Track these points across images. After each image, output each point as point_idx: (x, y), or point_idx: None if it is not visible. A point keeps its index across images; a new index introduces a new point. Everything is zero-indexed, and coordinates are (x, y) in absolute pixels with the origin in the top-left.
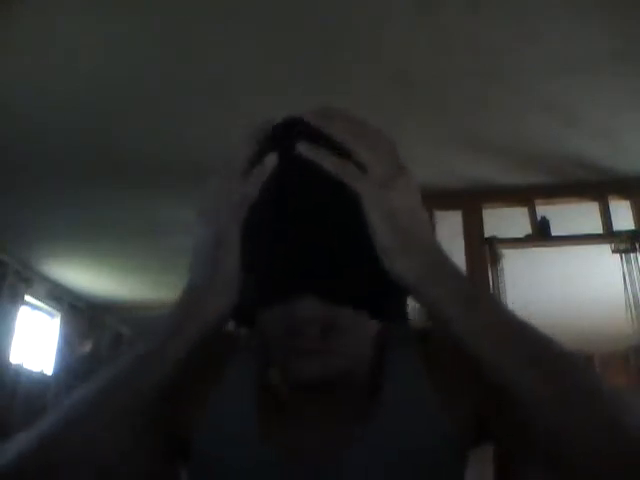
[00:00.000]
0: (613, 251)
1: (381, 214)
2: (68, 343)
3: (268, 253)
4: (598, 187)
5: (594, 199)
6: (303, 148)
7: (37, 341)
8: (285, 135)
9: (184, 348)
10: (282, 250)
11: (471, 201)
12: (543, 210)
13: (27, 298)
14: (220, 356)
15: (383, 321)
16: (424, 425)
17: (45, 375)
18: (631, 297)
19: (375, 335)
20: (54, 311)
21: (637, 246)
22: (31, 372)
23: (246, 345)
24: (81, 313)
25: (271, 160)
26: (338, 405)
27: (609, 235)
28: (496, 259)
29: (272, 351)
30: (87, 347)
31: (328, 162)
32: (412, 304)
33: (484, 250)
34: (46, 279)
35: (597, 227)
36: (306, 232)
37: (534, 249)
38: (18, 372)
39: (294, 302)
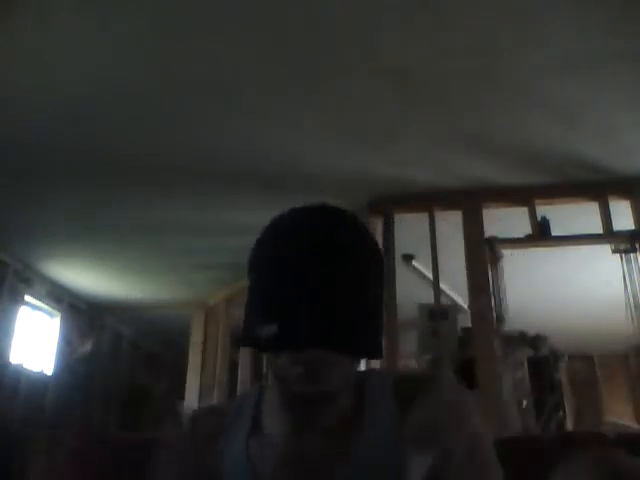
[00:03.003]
0: (613, 251)
1: None
2: (68, 343)
3: (293, 311)
4: (598, 187)
5: (594, 199)
6: None
7: (37, 341)
8: None
9: None
10: (305, 311)
11: (471, 201)
12: (543, 210)
13: (27, 298)
14: (213, 431)
15: (370, 359)
16: (391, 464)
17: (45, 375)
18: (631, 297)
19: (357, 374)
20: (54, 311)
21: (637, 246)
22: (31, 372)
23: (236, 414)
24: (81, 313)
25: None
26: (325, 443)
27: (609, 235)
28: (496, 259)
29: (277, 371)
30: (87, 347)
31: None
32: None
33: (484, 250)
34: (46, 279)
35: (597, 227)
36: (324, 302)
37: (534, 249)
38: (18, 372)
39: (307, 351)
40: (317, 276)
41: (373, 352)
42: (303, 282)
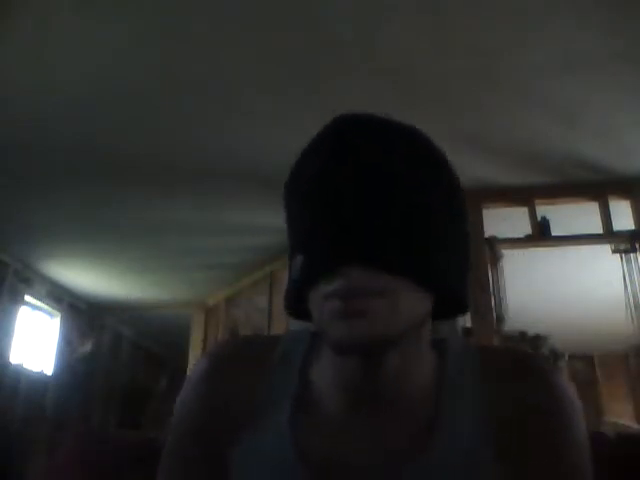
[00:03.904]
0: (613, 251)
1: None
2: (68, 343)
3: (319, 229)
4: (598, 187)
5: (594, 199)
6: None
7: (37, 341)
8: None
9: None
10: (331, 226)
11: (471, 201)
12: (543, 210)
13: (27, 298)
14: (259, 364)
15: (429, 290)
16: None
17: (45, 375)
18: (631, 297)
19: (434, 340)
20: (54, 311)
21: (637, 246)
22: (31, 372)
23: (279, 362)
24: (81, 313)
25: None
26: (390, 422)
27: (609, 235)
28: (496, 259)
29: (319, 323)
30: (87, 347)
31: None
32: None
33: (484, 250)
34: (46, 279)
35: (597, 227)
36: (354, 209)
37: (534, 249)
38: (18, 372)
39: (342, 272)
40: (342, 185)
41: (438, 281)
42: (325, 196)
